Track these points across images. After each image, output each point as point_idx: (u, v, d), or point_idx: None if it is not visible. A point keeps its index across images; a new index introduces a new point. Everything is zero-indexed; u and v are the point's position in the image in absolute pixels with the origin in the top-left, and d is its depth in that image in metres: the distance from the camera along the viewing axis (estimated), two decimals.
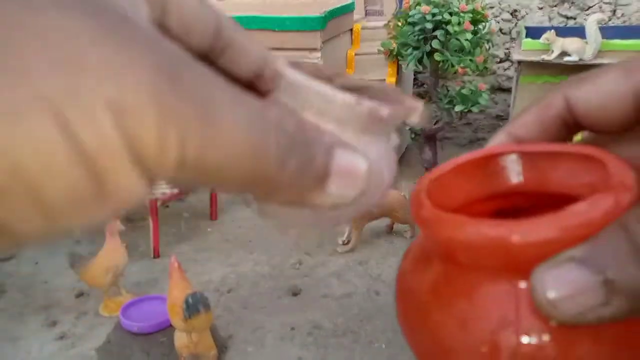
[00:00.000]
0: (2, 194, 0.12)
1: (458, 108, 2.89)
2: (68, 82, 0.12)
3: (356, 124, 0.19)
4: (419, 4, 2.76)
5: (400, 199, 2.40)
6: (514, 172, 0.26)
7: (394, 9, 3.49)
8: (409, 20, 2.78)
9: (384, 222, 2.61)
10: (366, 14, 3.66)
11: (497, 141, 0.27)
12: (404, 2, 2.90)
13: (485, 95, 2.84)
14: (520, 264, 0.20)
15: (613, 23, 3.44)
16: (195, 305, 1.55)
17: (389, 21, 3.08)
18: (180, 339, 1.68)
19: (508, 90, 3.77)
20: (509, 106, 3.76)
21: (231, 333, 1.80)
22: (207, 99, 0.14)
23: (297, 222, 0.21)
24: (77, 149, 0.12)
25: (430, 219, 0.22)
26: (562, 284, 0.18)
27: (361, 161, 0.19)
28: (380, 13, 3.60)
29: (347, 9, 3.20)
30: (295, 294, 2.03)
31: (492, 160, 0.26)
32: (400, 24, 2.90)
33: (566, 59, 2.45)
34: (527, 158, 0.25)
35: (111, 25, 0.13)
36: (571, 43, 2.44)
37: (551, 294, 0.19)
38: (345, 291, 2.05)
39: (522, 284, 0.20)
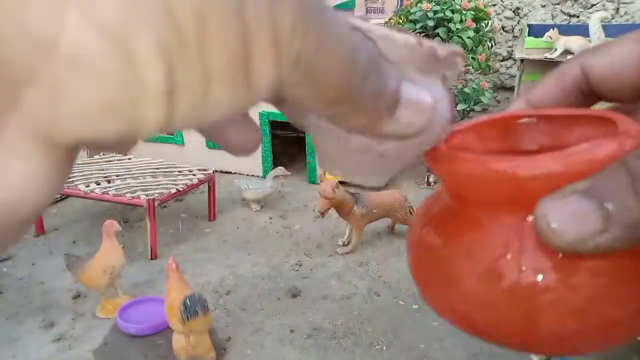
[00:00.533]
0: (184, 46, 0.13)
1: (460, 107, 2.86)
2: None
3: (418, 63, 0.21)
4: (420, 1, 2.74)
5: (401, 199, 2.37)
6: (531, 134, 0.27)
7: (395, 6, 3.47)
8: (410, 17, 2.76)
9: (384, 222, 2.59)
10: (367, 11, 3.64)
11: (515, 107, 0.28)
12: (404, 0, 2.87)
13: (487, 94, 2.82)
14: (526, 197, 0.21)
15: (616, 21, 3.41)
16: (193, 307, 1.53)
17: (389, 19, 3.06)
18: (178, 341, 1.66)
19: (511, 89, 3.74)
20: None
21: (230, 335, 1.78)
22: (324, 6, 0.16)
23: (363, 169, 0.22)
24: (241, 16, 0.14)
25: (442, 155, 0.23)
26: (564, 213, 0.20)
27: (425, 94, 0.20)
28: (381, 10, 3.58)
29: (348, 6, 3.17)
30: (294, 296, 2.01)
31: (510, 122, 0.27)
32: (401, 21, 2.88)
33: (569, 57, 2.43)
34: (544, 121, 0.26)
35: None
36: (574, 41, 2.41)
37: (554, 223, 0.20)
38: (345, 292, 2.03)
39: (527, 218, 0.21)
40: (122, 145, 0.16)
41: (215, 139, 0.21)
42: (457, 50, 0.22)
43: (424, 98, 0.20)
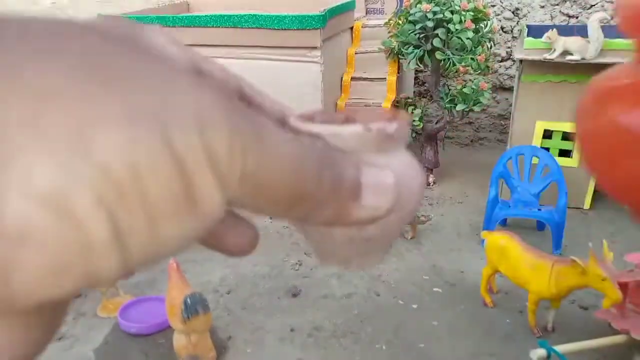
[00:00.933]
0: (122, 196, 0.14)
1: (459, 107, 2.87)
2: (168, 100, 0.15)
3: (371, 147, 0.21)
4: (419, 2, 2.74)
5: None
6: None
7: (395, 7, 3.47)
8: (410, 18, 2.77)
9: None
10: (367, 12, 3.64)
11: None
12: (404, 0, 2.88)
13: (486, 94, 2.83)
14: None
15: (615, 22, 3.41)
16: (194, 306, 1.54)
17: (389, 19, 3.06)
18: (179, 340, 1.66)
19: (510, 89, 3.75)
20: (510, 105, 3.74)
21: (230, 334, 1.78)
22: (259, 122, 0.17)
23: (355, 256, 0.23)
24: (172, 152, 0.15)
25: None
26: None
27: (387, 173, 0.21)
28: (381, 11, 3.59)
29: (348, 7, 3.18)
30: (295, 295, 2.01)
31: None
32: (401, 22, 2.88)
33: (568, 58, 2.43)
34: None
35: (184, 69, 0.17)
36: (573, 42, 2.42)
37: None
38: (345, 292, 2.04)
39: None
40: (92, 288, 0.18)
41: (208, 245, 0.21)
42: (405, 121, 0.22)
43: (384, 178, 0.21)
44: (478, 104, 2.85)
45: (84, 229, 0.14)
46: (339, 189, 0.19)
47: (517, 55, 2.56)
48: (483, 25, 2.80)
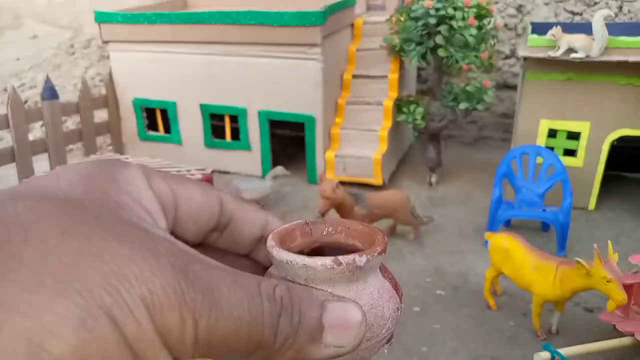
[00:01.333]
0: None
1: (462, 105, 2.83)
2: (114, 290, 0.17)
3: (342, 279, 0.22)
4: None
5: (403, 199, 2.34)
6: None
7: (397, 3, 3.43)
8: (412, 15, 2.72)
9: (384, 223, 2.56)
10: (368, 9, 3.60)
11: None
12: None
13: (490, 93, 2.79)
14: None
15: (619, 19, 3.37)
16: None
17: (391, 16, 3.02)
18: None
19: (514, 88, 3.71)
20: (514, 104, 3.70)
21: None
22: (212, 288, 0.19)
23: None
24: (124, 339, 0.16)
25: None
26: None
27: (354, 309, 0.21)
28: (382, 7, 3.54)
29: (348, 4, 3.14)
30: None
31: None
32: (402, 18, 2.84)
33: (573, 55, 2.39)
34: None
35: (140, 243, 0.18)
36: (578, 39, 2.38)
37: None
38: None
39: None
40: None
41: None
42: (379, 249, 0.23)
43: (350, 316, 0.21)
44: (481, 102, 2.81)
45: None
46: (299, 335, 0.20)
47: (521, 52, 2.52)
48: (486, 22, 2.76)
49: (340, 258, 0.22)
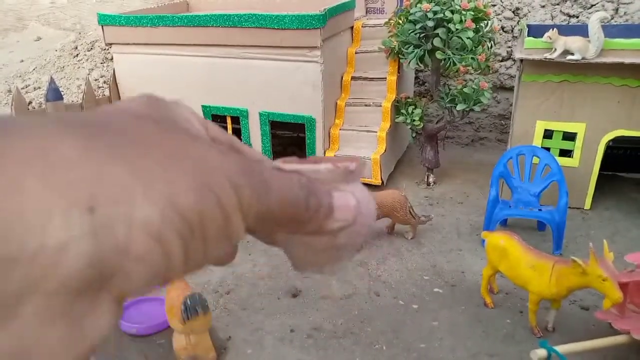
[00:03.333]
0: (192, 232, 0.23)
1: (460, 107, 2.86)
2: (211, 173, 0.24)
3: (338, 179, 0.31)
4: (420, 1, 2.74)
5: (401, 199, 2.37)
6: None
7: (395, 6, 3.47)
8: (410, 18, 2.76)
9: (384, 223, 2.59)
10: (367, 12, 3.64)
11: None
12: (404, 0, 2.87)
13: (487, 94, 2.82)
14: None
15: (616, 21, 3.41)
16: (193, 307, 1.53)
17: (389, 19, 3.06)
18: (179, 340, 1.66)
19: (510, 89, 3.74)
20: (511, 105, 3.74)
21: (230, 334, 1.78)
22: (265, 173, 0.27)
23: (326, 262, 0.32)
24: (221, 205, 0.24)
25: None
26: None
27: (350, 197, 0.31)
28: (381, 11, 3.58)
29: (348, 7, 3.17)
30: (294, 295, 2.01)
31: None
32: (401, 21, 2.88)
33: (569, 57, 2.42)
34: None
35: (212, 146, 0.26)
36: (574, 42, 2.41)
37: None
38: (345, 292, 2.03)
39: None
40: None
41: None
42: (362, 162, 0.33)
43: (349, 201, 0.31)
44: (478, 104, 2.85)
45: (168, 252, 0.22)
46: (320, 210, 0.29)
47: (518, 54, 2.56)
48: (483, 25, 2.79)
49: (338, 163, 0.31)
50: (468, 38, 2.65)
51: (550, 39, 2.44)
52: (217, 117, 3.25)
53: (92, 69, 4.25)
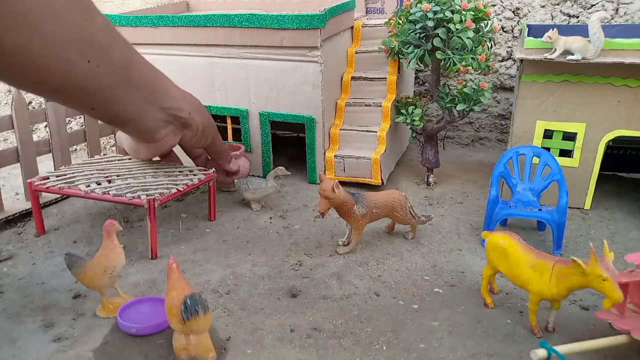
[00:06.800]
0: (197, 113, 2.32)
1: (460, 107, 2.86)
2: (188, 105, 2.22)
3: (236, 157, 0.92)
4: (420, 1, 2.74)
5: (402, 199, 2.37)
6: None
7: (395, 6, 3.47)
8: (410, 18, 2.76)
9: (384, 222, 2.59)
10: (367, 12, 3.64)
11: None
12: (404, 0, 2.87)
13: (487, 94, 2.82)
14: None
15: (616, 21, 3.41)
16: (193, 307, 1.53)
17: (389, 19, 3.06)
18: (178, 340, 1.66)
19: (510, 89, 3.74)
20: (511, 105, 3.74)
21: (230, 335, 1.78)
22: (208, 115, 2.34)
23: (226, 183, 2.69)
24: (209, 118, 2.39)
25: None
26: None
27: (242, 160, 2.67)
28: (381, 11, 3.58)
29: (348, 7, 3.17)
30: (294, 295, 2.01)
31: None
32: (401, 21, 2.88)
33: (569, 57, 2.42)
34: None
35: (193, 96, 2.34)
36: (574, 42, 2.41)
37: None
38: (345, 292, 2.03)
39: None
40: None
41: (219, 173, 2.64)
42: (243, 149, 2.48)
43: (240, 160, 2.40)
44: (478, 104, 2.85)
45: (198, 125, 2.28)
46: (227, 155, 2.60)
47: (518, 54, 2.56)
48: (483, 25, 2.79)
49: (237, 151, 2.03)
50: (468, 38, 2.65)
51: (550, 39, 2.44)
52: (217, 117, 3.25)
53: None
